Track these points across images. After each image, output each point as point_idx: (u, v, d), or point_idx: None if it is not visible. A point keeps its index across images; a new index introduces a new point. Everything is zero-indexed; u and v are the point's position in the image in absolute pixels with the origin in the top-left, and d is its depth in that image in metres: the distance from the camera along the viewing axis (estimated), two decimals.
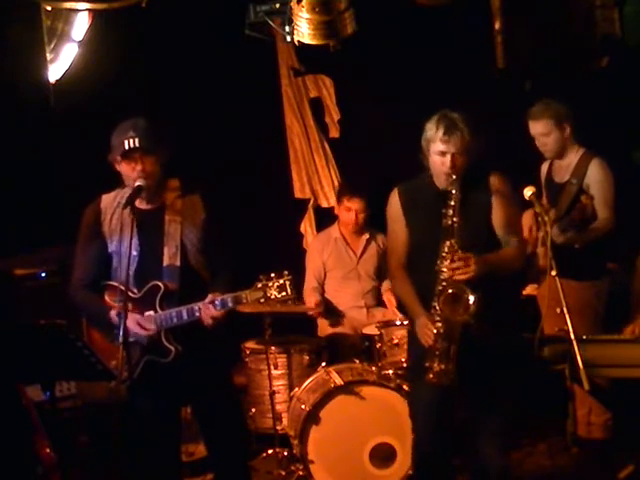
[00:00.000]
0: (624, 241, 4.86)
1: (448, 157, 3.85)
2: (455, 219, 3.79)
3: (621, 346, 4.08)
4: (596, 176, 4.74)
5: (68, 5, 5.51)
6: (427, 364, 3.81)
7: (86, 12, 5.59)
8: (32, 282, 5.25)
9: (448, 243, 3.79)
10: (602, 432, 4.82)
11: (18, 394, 4.43)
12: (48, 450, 4.24)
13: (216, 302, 3.77)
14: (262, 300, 3.78)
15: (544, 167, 5.04)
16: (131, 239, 3.74)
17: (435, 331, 3.78)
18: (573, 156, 4.84)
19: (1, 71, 5.51)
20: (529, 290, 4.97)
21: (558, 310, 3.82)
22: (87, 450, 5.06)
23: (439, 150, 3.86)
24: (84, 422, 5.11)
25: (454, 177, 3.82)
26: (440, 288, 3.79)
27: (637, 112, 5.39)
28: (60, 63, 5.77)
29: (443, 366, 3.78)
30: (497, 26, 5.29)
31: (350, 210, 5.68)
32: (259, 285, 3.77)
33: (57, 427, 4.30)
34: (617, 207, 4.75)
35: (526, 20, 5.28)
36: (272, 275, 3.77)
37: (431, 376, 3.81)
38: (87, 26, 5.69)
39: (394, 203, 4.07)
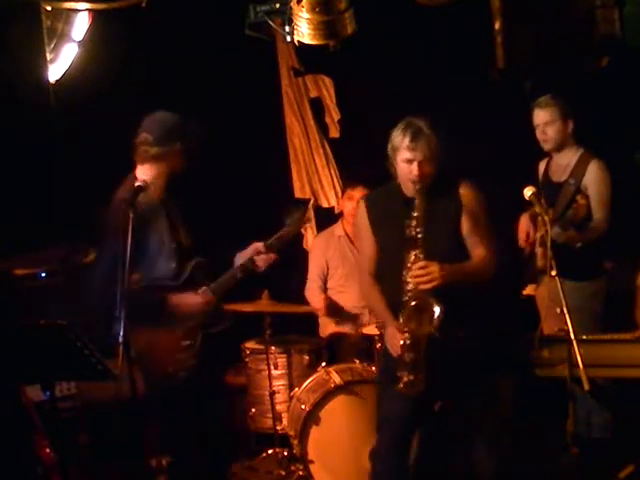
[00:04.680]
0: (624, 241, 4.87)
1: (415, 165, 3.83)
2: (419, 229, 3.77)
3: (621, 346, 4.08)
4: (594, 177, 4.74)
5: (68, 5, 5.51)
6: (397, 374, 3.80)
7: (86, 12, 5.59)
8: (32, 282, 5.25)
9: (413, 253, 3.78)
10: (602, 432, 4.82)
11: (18, 394, 4.43)
12: (48, 450, 4.24)
13: (261, 249, 4.12)
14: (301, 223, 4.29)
15: (541, 166, 5.04)
16: (131, 239, 3.74)
17: (402, 342, 3.78)
18: (572, 156, 4.84)
19: (1, 71, 5.51)
20: (528, 290, 4.97)
21: (558, 310, 3.82)
22: (87, 450, 5.05)
23: (406, 158, 3.84)
24: (84, 422, 5.10)
25: (418, 186, 3.80)
26: (406, 299, 3.78)
27: (637, 112, 5.39)
28: (60, 63, 5.77)
29: (412, 377, 3.77)
30: (497, 26, 5.29)
31: (352, 199, 5.65)
32: (288, 221, 3.92)
33: (57, 427, 4.30)
34: (617, 207, 4.75)
35: (526, 20, 5.28)
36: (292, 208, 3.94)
37: (401, 386, 3.80)
38: (87, 26, 5.70)
39: (361, 213, 4.06)
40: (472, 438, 3.94)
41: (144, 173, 4.03)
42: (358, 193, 5.61)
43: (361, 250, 4.16)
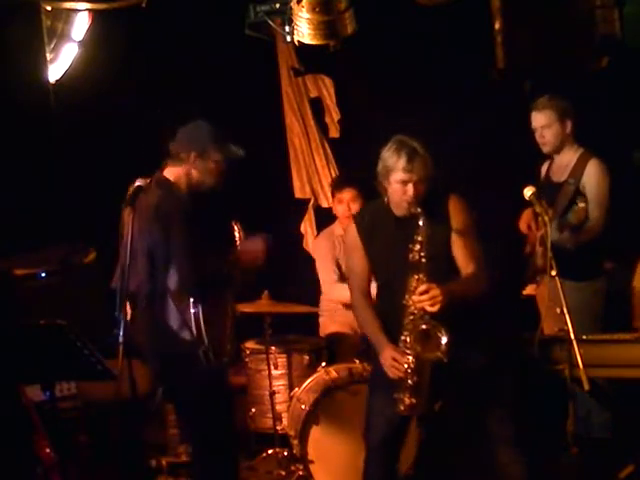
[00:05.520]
0: (623, 241, 4.87)
1: (410, 186, 3.77)
2: (422, 254, 3.73)
3: (621, 346, 4.08)
4: (592, 177, 4.73)
5: (68, 5, 5.53)
6: (396, 396, 3.78)
7: (86, 12, 5.61)
8: (32, 282, 5.25)
9: (416, 277, 3.74)
10: (602, 432, 4.82)
11: (18, 394, 4.43)
12: (48, 450, 4.24)
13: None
14: None
15: (544, 167, 5.04)
16: (131, 239, 3.74)
17: (405, 365, 3.76)
18: (572, 156, 4.84)
19: (1, 71, 5.51)
20: (528, 290, 4.97)
21: (558, 310, 3.82)
22: (87, 450, 5.05)
23: (401, 179, 3.77)
24: (84, 422, 5.11)
25: (419, 210, 3.76)
26: (410, 323, 3.75)
27: (637, 112, 5.39)
28: (60, 63, 5.78)
29: (414, 400, 3.75)
30: (497, 26, 5.29)
31: (342, 202, 5.63)
32: None
33: (57, 427, 4.30)
34: (616, 207, 4.75)
35: (526, 20, 5.28)
36: None
37: (402, 408, 3.77)
38: (87, 26, 5.70)
39: (351, 231, 4.00)
40: (495, 442, 3.92)
41: (167, 172, 4.04)
42: (346, 195, 5.58)
43: (351, 268, 4.10)
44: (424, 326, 3.71)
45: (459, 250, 3.87)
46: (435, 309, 3.67)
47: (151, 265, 3.89)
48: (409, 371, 3.74)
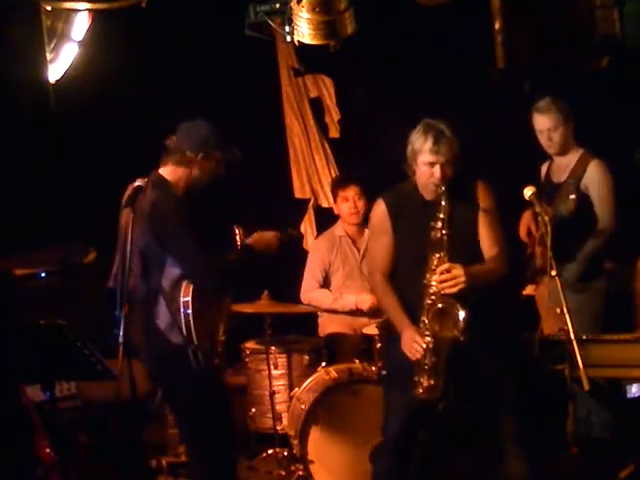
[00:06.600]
0: (624, 241, 4.86)
1: (437, 168, 3.80)
2: (444, 232, 3.75)
3: (621, 346, 4.08)
4: (595, 177, 4.73)
5: (68, 5, 5.52)
6: (415, 378, 3.78)
7: (86, 12, 5.60)
8: (32, 282, 5.25)
9: (437, 256, 3.76)
10: (602, 432, 4.82)
11: (18, 394, 4.43)
12: (48, 450, 4.24)
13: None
14: None
15: (544, 167, 5.04)
16: (131, 239, 3.74)
17: (424, 346, 3.76)
18: (573, 156, 4.84)
19: (1, 71, 5.51)
20: (528, 290, 4.97)
21: (558, 310, 3.82)
22: (87, 450, 5.05)
23: (428, 161, 3.82)
24: (84, 422, 5.11)
25: (443, 189, 3.79)
26: (429, 302, 3.76)
27: (637, 112, 5.39)
28: (60, 63, 5.78)
29: (432, 381, 3.76)
30: (497, 26, 5.30)
31: (347, 200, 5.63)
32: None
33: (57, 427, 4.30)
34: (617, 207, 4.74)
35: (526, 20, 5.28)
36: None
37: (420, 391, 3.78)
38: (87, 26, 5.70)
39: (381, 213, 4.01)
40: (503, 442, 3.92)
41: (166, 173, 4.03)
42: (351, 192, 5.59)
43: (374, 248, 4.09)
44: (441, 305, 3.72)
45: (485, 231, 3.91)
46: (456, 289, 3.69)
47: (144, 265, 3.88)
48: (427, 352, 3.75)
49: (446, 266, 3.71)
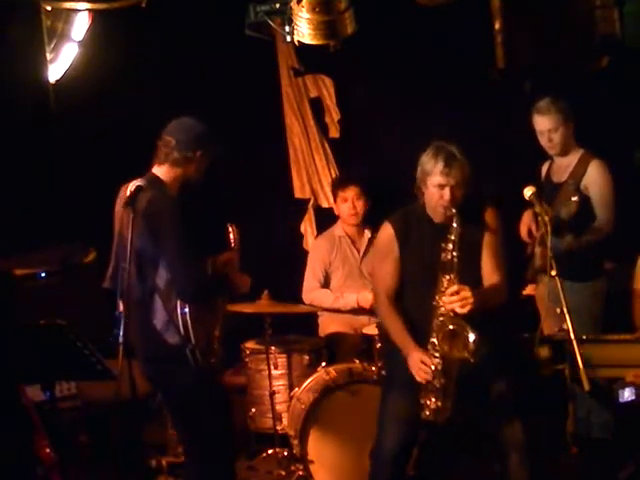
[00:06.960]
0: (624, 241, 4.86)
1: (447, 190, 3.80)
2: (455, 254, 3.76)
3: (621, 346, 4.08)
4: (595, 177, 4.73)
5: (68, 5, 5.52)
6: (422, 401, 3.78)
7: (86, 12, 5.60)
8: (32, 282, 5.25)
9: (447, 277, 3.76)
10: (602, 432, 4.82)
11: (18, 394, 4.43)
12: (48, 450, 4.24)
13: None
14: None
15: (544, 167, 5.04)
16: (131, 239, 3.74)
17: (433, 367, 3.75)
18: (573, 156, 4.84)
19: (1, 71, 5.51)
20: (528, 290, 4.97)
21: (558, 310, 3.82)
22: (87, 450, 5.05)
23: (438, 183, 3.82)
24: (84, 422, 5.11)
25: (454, 211, 3.78)
26: (439, 323, 3.75)
27: (637, 112, 5.39)
28: (60, 63, 5.78)
29: (440, 403, 3.76)
30: (497, 26, 5.29)
31: (346, 200, 5.64)
32: None
33: (57, 427, 4.30)
34: (617, 207, 4.74)
35: (526, 20, 5.28)
36: None
37: (427, 413, 3.78)
38: (87, 26, 5.70)
39: (388, 238, 4.00)
40: (506, 448, 3.93)
41: (161, 173, 4.02)
42: (350, 192, 5.61)
43: (379, 271, 4.08)
44: (451, 326, 3.72)
45: (487, 258, 3.93)
46: (465, 310, 3.69)
47: (139, 264, 3.88)
48: (436, 373, 3.75)
49: (455, 288, 3.72)
